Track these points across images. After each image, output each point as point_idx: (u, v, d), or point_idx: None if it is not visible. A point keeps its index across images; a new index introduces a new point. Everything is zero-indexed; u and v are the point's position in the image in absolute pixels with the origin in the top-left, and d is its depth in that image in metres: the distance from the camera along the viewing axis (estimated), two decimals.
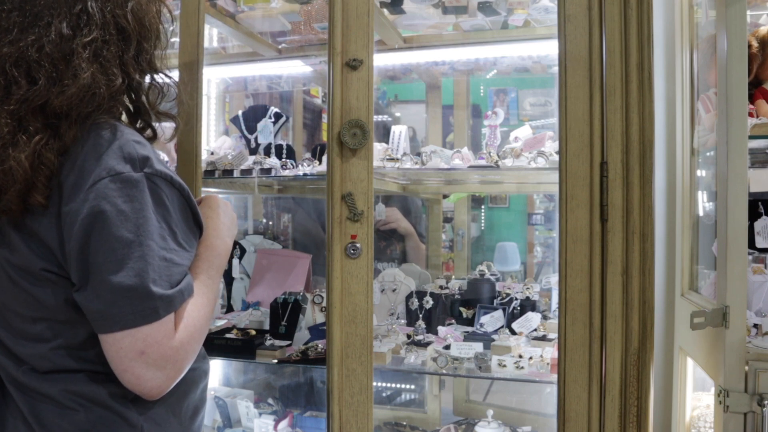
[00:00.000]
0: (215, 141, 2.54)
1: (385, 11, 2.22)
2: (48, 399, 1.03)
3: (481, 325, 2.04)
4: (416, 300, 2.15)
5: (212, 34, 2.62)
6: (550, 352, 1.84)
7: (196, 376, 1.14)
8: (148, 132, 1.18)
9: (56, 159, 0.99)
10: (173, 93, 1.20)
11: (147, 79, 1.14)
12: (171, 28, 1.22)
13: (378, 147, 2.02)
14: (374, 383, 1.64)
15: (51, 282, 1.01)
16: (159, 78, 1.16)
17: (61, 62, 1.01)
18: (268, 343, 1.96)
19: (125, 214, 0.96)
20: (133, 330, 0.95)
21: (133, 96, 1.14)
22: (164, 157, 2.02)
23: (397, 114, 3.23)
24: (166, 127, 1.21)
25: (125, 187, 0.97)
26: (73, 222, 0.96)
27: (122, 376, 0.98)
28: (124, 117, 1.16)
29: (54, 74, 1.00)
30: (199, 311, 1.04)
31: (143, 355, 0.96)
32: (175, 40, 1.82)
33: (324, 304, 2.02)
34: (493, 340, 1.91)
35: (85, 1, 1.04)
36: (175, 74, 1.64)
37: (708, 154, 1.83)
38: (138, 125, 1.17)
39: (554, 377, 1.61)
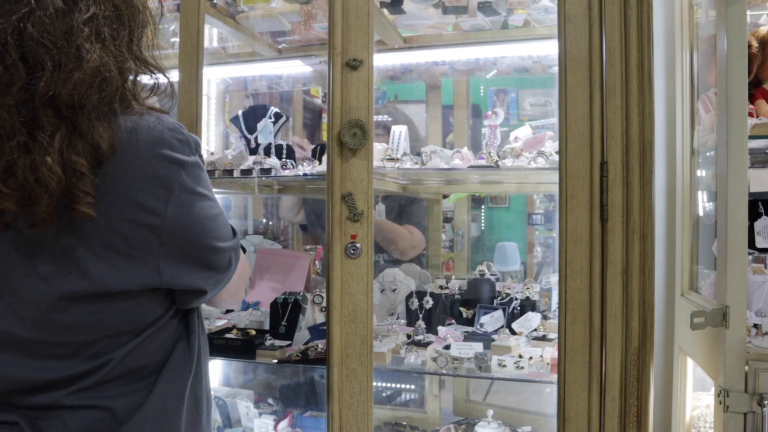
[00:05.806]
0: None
1: (385, 11, 2.22)
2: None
3: (481, 325, 2.04)
4: (416, 300, 2.14)
5: (212, 34, 2.62)
6: (550, 352, 1.83)
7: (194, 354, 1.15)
8: None
9: (89, 163, 0.87)
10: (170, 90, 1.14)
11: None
12: (159, 17, 1.09)
13: (378, 147, 2.02)
14: (374, 383, 1.64)
15: (149, 292, 0.98)
16: (149, 71, 1.04)
17: (61, 40, 0.86)
18: (268, 343, 1.96)
19: (205, 195, 1.01)
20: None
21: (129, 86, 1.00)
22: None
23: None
24: None
25: (193, 171, 0.99)
26: (172, 229, 0.95)
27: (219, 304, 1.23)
28: None
29: (56, 56, 0.86)
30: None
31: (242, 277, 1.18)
32: (175, 40, 1.82)
33: (324, 304, 2.02)
34: (493, 340, 1.91)
35: None
36: (174, 74, 1.65)
37: (708, 154, 1.83)
38: None
39: (554, 377, 1.61)
